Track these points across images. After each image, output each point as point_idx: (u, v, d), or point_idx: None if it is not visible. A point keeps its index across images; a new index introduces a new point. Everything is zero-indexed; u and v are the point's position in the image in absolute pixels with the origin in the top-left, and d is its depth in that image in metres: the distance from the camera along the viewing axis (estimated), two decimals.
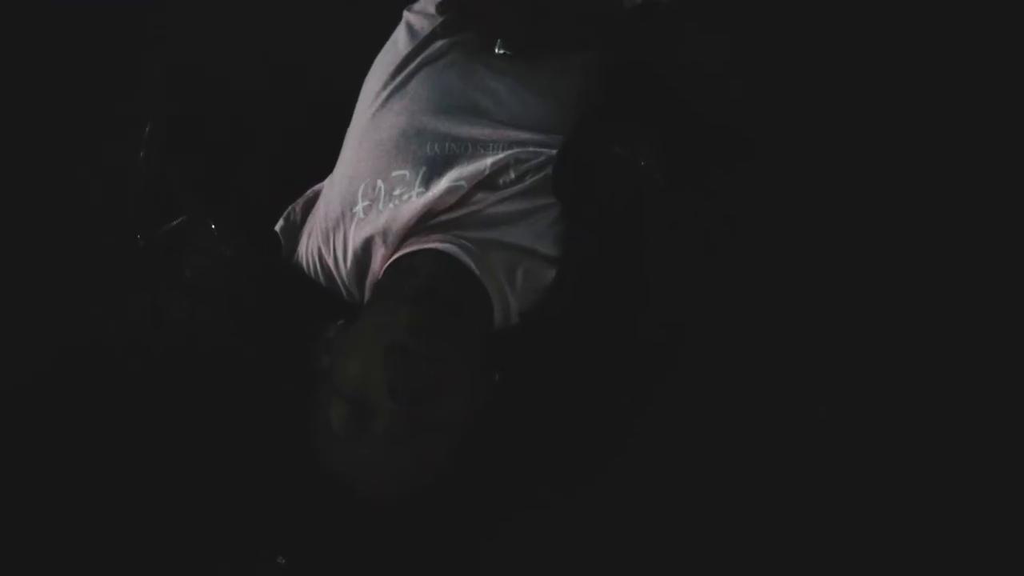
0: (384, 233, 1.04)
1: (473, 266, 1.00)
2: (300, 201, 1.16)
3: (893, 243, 1.30)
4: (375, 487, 0.96)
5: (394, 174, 1.04)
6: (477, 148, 1.04)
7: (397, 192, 1.03)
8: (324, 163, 1.18)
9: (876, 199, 1.32)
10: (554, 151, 1.05)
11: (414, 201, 1.02)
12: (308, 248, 1.11)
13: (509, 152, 1.04)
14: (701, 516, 1.12)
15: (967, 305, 1.25)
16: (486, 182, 1.03)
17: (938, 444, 1.16)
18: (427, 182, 1.03)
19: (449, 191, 1.02)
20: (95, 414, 1.11)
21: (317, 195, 1.15)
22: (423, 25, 1.12)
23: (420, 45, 1.10)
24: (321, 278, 1.11)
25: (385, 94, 1.10)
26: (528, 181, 1.04)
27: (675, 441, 1.15)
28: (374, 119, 1.09)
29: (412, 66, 1.10)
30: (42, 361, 1.25)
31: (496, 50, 1.08)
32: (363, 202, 1.05)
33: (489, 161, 1.03)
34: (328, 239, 1.08)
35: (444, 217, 1.03)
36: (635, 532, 1.11)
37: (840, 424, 1.17)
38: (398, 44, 1.14)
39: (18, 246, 1.38)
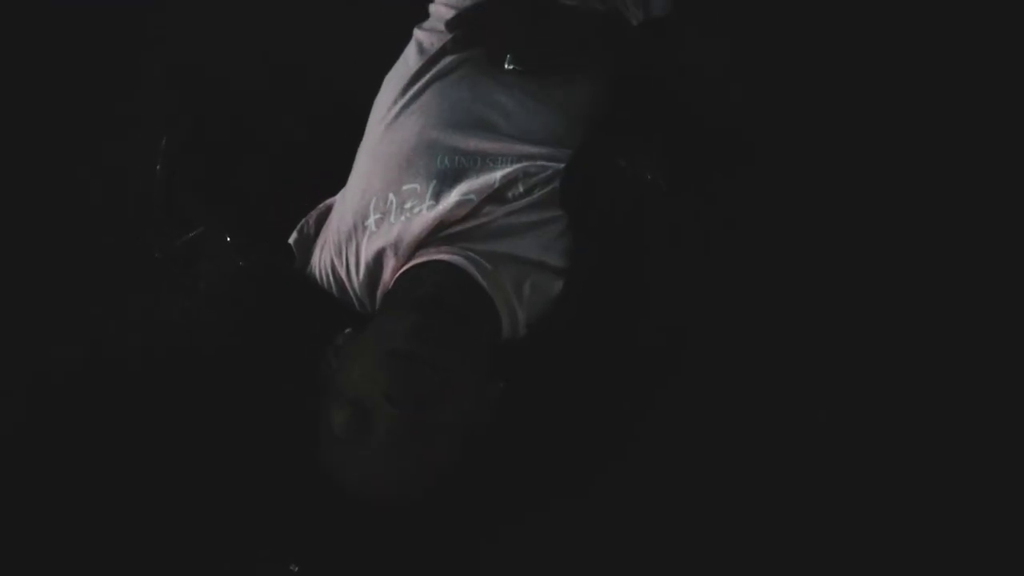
0: (395, 245, 1.05)
1: (480, 279, 1.02)
2: (313, 214, 1.17)
3: (893, 246, 1.30)
4: (374, 490, 0.97)
5: (405, 187, 1.06)
6: (486, 162, 1.05)
7: (408, 205, 1.05)
8: (334, 169, 1.18)
9: (876, 202, 1.33)
10: (561, 165, 1.06)
11: (425, 214, 1.04)
12: (321, 260, 1.13)
13: (518, 166, 1.05)
14: (702, 518, 1.13)
15: (966, 310, 1.25)
16: (495, 195, 1.04)
17: (938, 446, 1.17)
18: (437, 195, 1.04)
19: (459, 204, 1.03)
20: (99, 416, 1.11)
21: (330, 209, 1.17)
22: (432, 42, 1.13)
23: (430, 61, 1.12)
24: (334, 289, 1.12)
25: (396, 109, 1.11)
26: (536, 194, 1.05)
27: (676, 445, 1.16)
28: (385, 134, 1.11)
29: (422, 81, 1.11)
30: (41, 361, 1.25)
31: (505, 65, 1.09)
32: (375, 215, 1.07)
33: (498, 175, 1.04)
34: (341, 251, 1.10)
35: (454, 229, 1.04)
36: (636, 535, 1.11)
37: (841, 427, 1.18)
38: (408, 61, 1.15)
39: (18, 246, 1.38)
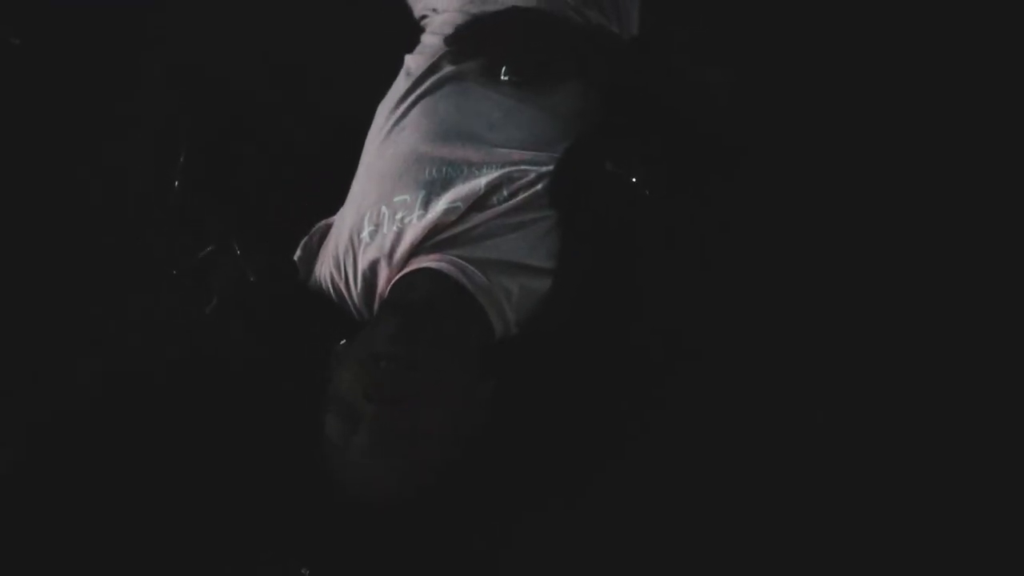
0: (389, 255, 1.08)
1: (467, 283, 1.04)
2: (316, 232, 1.21)
3: (887, 247, 1.31)
4: (365, 489, 0.99)
5: (396, 199, 1.09)
6: (472, 170, 1.08)
7: (399, 216, 1.08)
8: (334, 173, 1.20)
9: (870, 202, 1.34)
10: (544, 168, 1.09)
11: (416, 224, 1.07)
12: (322, 273, 1.16)
13: (502, 171, 1.08)
14: (699, 519, 1.13)
15: (962, 313, 1.26)
16: (481, 201, 1.07)
17: (936, 447, 1.17)
18: (426, 204, 1.07)
19: (447, 212, 1.06)
20: (102, 419, 1.11)
21: (330, 226, 1.20)
22: (419, 64, 1.18)
23: (417, 81, 1.16)
24: (334, 300, 1.15)
25: (387, 128, 1.15)
26: (519, 197, 1.08)
27: (673, 446, 1.16)
28: (378, 152, 1.15)
29: (410, 100, 1.15)
30: (41, 361, 1.25)
31: (502, 76, 1.13)
32: (369, 227, 1.10)
33: (483, 181, 1.07)
34: (339, 264, 1.13)
35: (443, 236, 1.07)
36: (633, 536, 1.12)
37: (838, 428, 1.18)
38: (398, 85, 1.20)
39: (18, 246, 1.38)
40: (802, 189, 1.31)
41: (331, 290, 1.15)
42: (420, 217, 1.07)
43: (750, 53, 1.39)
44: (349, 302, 1.13)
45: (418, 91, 1.15)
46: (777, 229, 1.28)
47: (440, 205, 1.06)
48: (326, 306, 1.14)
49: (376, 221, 1.09)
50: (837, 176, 1.34)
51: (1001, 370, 1.22)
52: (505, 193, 1.07)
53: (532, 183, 1.08)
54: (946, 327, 1.25)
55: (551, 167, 1.09)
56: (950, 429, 1.19)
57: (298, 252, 1.19)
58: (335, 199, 1.19)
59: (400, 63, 1.21)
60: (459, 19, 1.19)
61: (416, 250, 1.07)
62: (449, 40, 1.15)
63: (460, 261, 1.05)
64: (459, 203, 1.06)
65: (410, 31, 1.29)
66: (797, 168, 1.32)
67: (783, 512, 1.14)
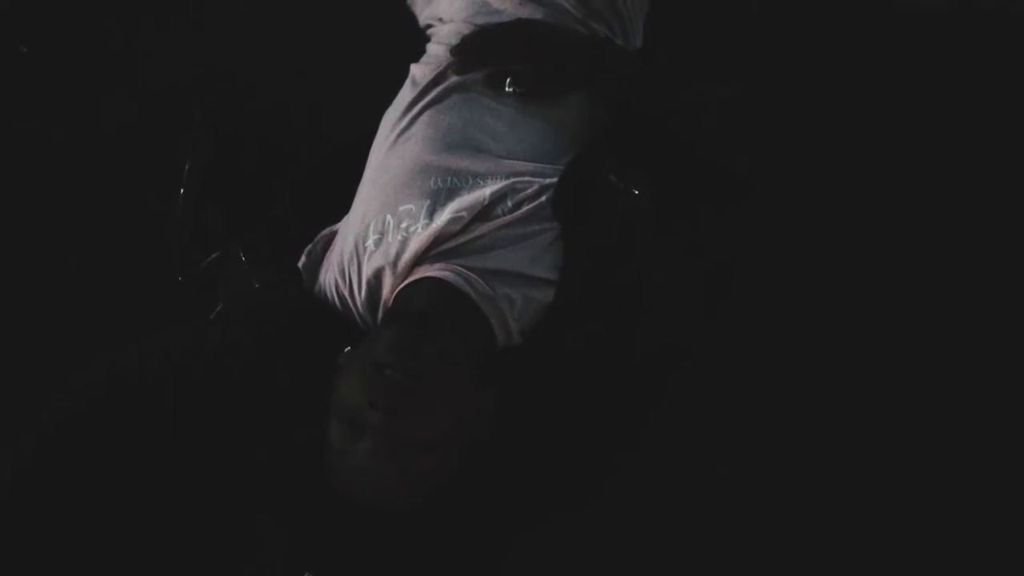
0: (393, 264, 1.09)
1: (471, 292, 1.05)
2: (320, 240, 1.22)
3: (885, 252, 1.32)
4: (371, 498, 1.00)
5: (401, 208, 1.10)
6: (477, 180, 1.09)
7: (404, 225, 1.09)
8: (341, 189, 1.21)
9: (872, 214, 1.34)
10: (548, 180, 1.10)
11: (420, 233, 1.08)
12: (326, 281, 1.17)
13: (506, 182, 1.09)
14: (703, 527, 1.14)
15: (960, 322, 1.27)
16: (485, 212, 1.08)
17: (933, 453, 1.18)
18: (431, 214, 1.08)
19: (452, 221, 1.07)
20: (110, 430, 1.11)
21: (334, 234, 1.21)
22: (425, 73, 1.19)
23: (423, 91, 1.17)
24: (338, 308, 1.16)
25: (393, 137, 1.16)
26: (523, 209, 1.09)
27: (675, 455, 1.17)
28: (383, 161, 1.16)
29: (416, 110, 1.16)
30: (44, 368, 1.25)
31: (506, 88, 1.14)
32: (374, 235, 1.11)
33: (488, 191, 1.08)
34: (344, 272, 1.14)
35: (448, 246, 1.08)
36: (636, 544, 1.12)
37: (838, 432, 1.19)
38: (404, 94, 1.21)
39: (23, 251, 1.38)
40: (803, 197, 1.32)
41: (335, 298, 1.15)
42: (425, 226, 1.08)
43: (755, 65, 1.40)
44: (353, 310, 1.14)
45: (424, 101, 1.16)
46: (779, 239, 1.29)
47: (445, 215, 1.08)
48: (330, 313, 1.15)
49: (381, 230, 1.10)
50: (840, 188, 1.35)
51: (999, 383, 1.23)
52: (509, 204, 1.08)
53: (536, 195, 1.09)
54: (945, 334, 1.26)
55: (555, 179, 1.10)
56: (948, 436, 1.20)
57: (302, 259, 1.20)
58: (340, 207, 1.19)
59: (406, 72, 1.22)
60: (465, 30, 1.20)
61: (420, 259, 1.08)
62: (455, 51, 1.16)
63: (464, 271, 1.06)
64: (463, 213, 1.07)
65: (415, 40, 1.30)
66: (799, 180, 1.32)
67: (784, 516, 1.15)
